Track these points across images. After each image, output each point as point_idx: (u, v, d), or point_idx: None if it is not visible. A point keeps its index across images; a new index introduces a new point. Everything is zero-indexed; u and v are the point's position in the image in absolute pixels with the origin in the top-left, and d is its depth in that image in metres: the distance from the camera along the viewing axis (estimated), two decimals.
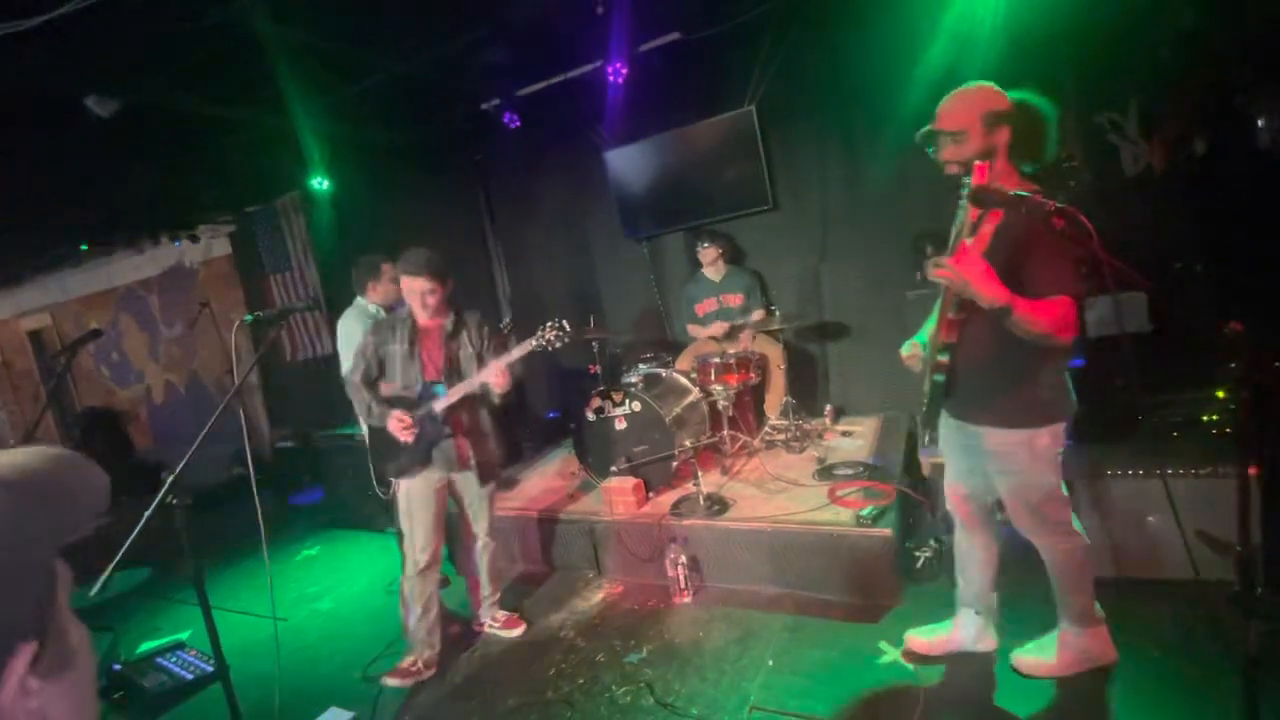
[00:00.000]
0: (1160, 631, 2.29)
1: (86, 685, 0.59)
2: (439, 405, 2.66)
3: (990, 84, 1.86)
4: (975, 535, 2.29)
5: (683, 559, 3.05)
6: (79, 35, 2.75)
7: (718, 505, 3.30)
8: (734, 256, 4.55)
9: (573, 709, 2.46)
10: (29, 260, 7.75)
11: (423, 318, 2.72)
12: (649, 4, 3.69)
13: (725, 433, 3.94)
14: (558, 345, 2.62)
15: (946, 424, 2.19)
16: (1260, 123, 3.16)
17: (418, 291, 2.61)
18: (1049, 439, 1.93)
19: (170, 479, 1.78)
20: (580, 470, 3.99)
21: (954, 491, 2.29)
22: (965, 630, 2.37)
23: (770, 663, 2.53)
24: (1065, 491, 2.04)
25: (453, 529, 3.02)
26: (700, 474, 3.36)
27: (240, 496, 6.04)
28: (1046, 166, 1.90)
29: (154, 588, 4.46)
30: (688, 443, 3.60)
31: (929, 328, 2.13)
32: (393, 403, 2.71)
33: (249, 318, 2.42)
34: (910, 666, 2.37)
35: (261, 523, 2.31)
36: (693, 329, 4.51)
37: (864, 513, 2.89)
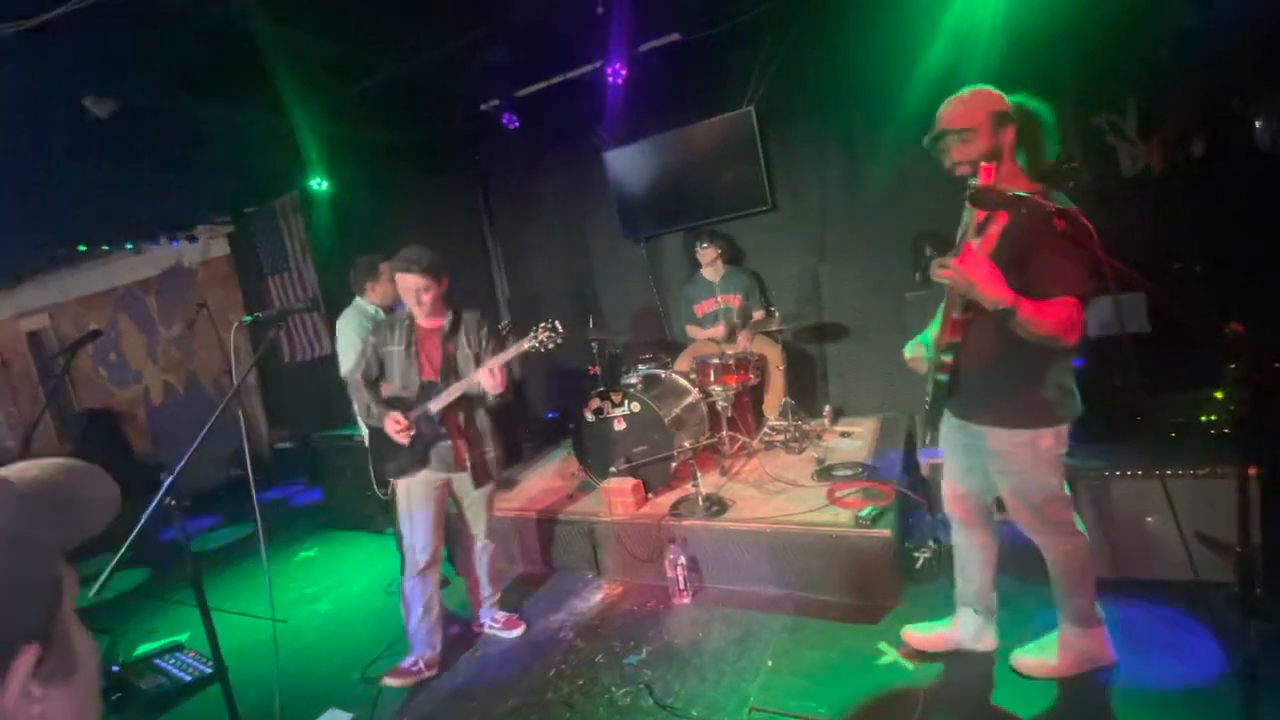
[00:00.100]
0: (1160, 632, 2.29)
1: (90, 691, 0.59)
2: (434, 406, 2.66)
3: (990, 87, 1.86)
4: (974, 535, 2.30)
5: (682, 560, 3.05)
6: (78, 35, 2.75)
7: (717, 506, 3.30)
8: (733, 257, 4.55)
9: (572, 710, 2.46)
10: (28, 261, 7.74)
11: (420, 317, 2.71)
12: (648, 5, 3.69)
13: (724, 433, 3.94)
14: (550, 346, 2.59)
15: (948, 423, 2.19)
16: (1258, 124, 3.17)
17: (412, 289, 2.61)
18: (1052, 440, 1.93)
19: (169, 480, 1.78)
20: (579, 471, 3.99)
21: (953, 491, 2.29)
22: (964, 629, 2.38)
23: (769, 664, 2.53)
24: (1068, 492, 2.04)
25: (452, 530, 3.01)
26: (699, 475, 3.36)
27: (239, 497, 6.03)
28: (1047, 167, 1.90)
29: (152, 589, 4.46)
30: (687, 443, 3.60)
31: (932, 329, 2.13)
32: (391, 403, 2.71)
33: (248, 318, 2.42)
34: (910, 666, 2.36)
35: (259, 524, 2.31)
36: (692, 329, 4.51)
37: (863, 513, 2.89)
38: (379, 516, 4.49)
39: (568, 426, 4.35)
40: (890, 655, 2.44)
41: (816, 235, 4.41)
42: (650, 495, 3.61)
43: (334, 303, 5.37)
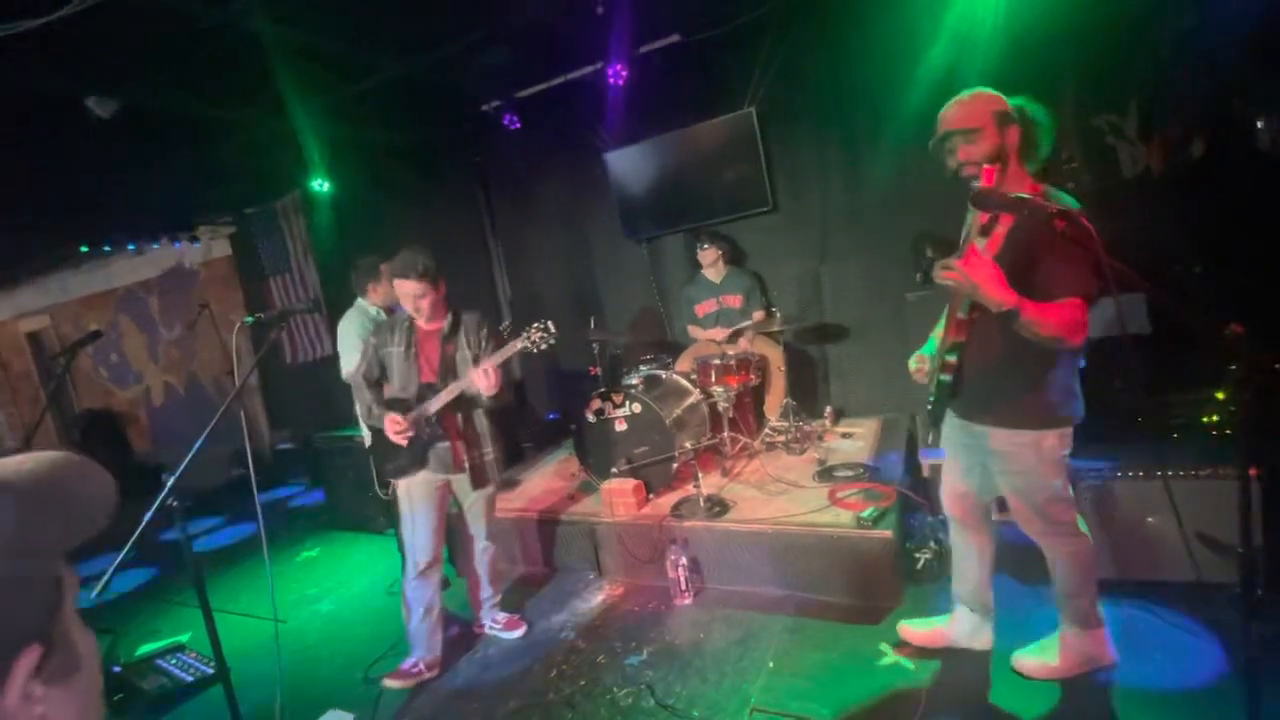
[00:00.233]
0: (1161, 633, 2.29)
1: (92, 692, 0.58)
2: (430, 407, 2.66)
3: (989, 89, 1.87)
4: (971, 534, 2.30)
5: (683, 560, 3.05)
6: (79, 36, 2.75)
7: (718, 507, 3.30)
8: (734, 258, 4.55)
9: (574, 711, 2.46)
10: (28, 261, 7.75)
11: (420, 320, 2.72)
12: (649, 6, 3.69)
13: (725, 434, 3.94)
14: (543, 347, 2.57)
15: (951, 423, 2.19)
16: (1259, 124, 3.17)
17: (409, 295, 2.61)
18: (1056, 441, 1.93)
19: (171, 480, 1.78)
20: (581, 472, 3.99)
21: (953, 490, 2.29)
22: (960, 626, 2.39)
23: (771, 664, 2.53)
24: (1071, 493, 2.04)
25: (454, 531, 3.02)
26: (700, 475, 3.36)
27: (240, 498, 6.04)
28: (1044, 166, 1.90)
29: (154, 589, 4.46)
30: (688, 444, 3.60)
31: (935, 338, 2.13)
32: (392, 404, 2.71)
33: (249, 319, 2.42)
34: (911, 667, 2.37)
35: (261, 524, 2.31)
36: (693, 330, 4.51)
37: (864, 514, 2.89)
38: (380, 517, 4.50)
39: (569, 427, 4.35)
40: (891, 656, 2.44)
41: (817, 236, 4.41)
42: (651, 496, 3.61)
43: (335, 303, 5.39)
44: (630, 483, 3.51)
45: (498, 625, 3.06)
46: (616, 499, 3.50)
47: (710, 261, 4.36)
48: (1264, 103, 3.12)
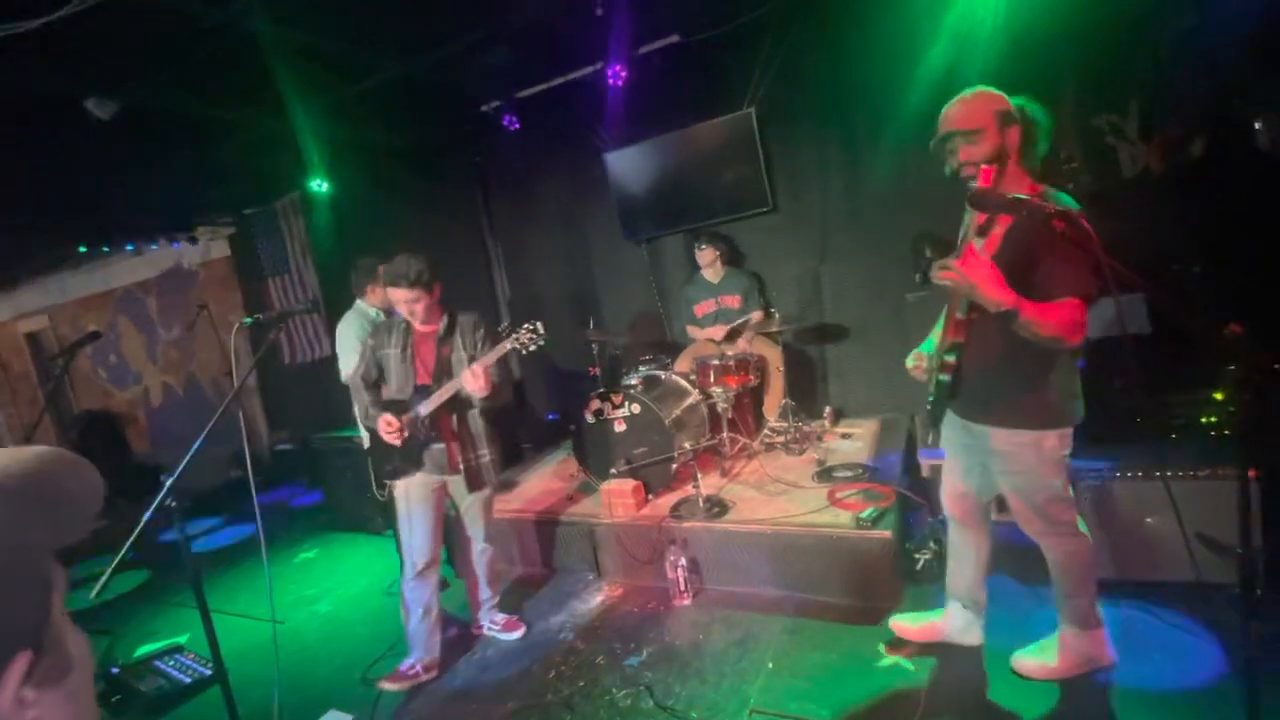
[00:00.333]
0: (1160, 634, 2.29)
1: (85, 693, 0.57)
2: (424, 409, 2.65)
3: (991, 88, 1.86)
4: (969, 533, 2.31)
5: (682, 561, 3.05)
6: (78, 37, 2.75)
7: (717, 507, 3.30)
8: (732, 258, 4.55)
9: (572, 712, 2.46)
10: (27, 262, 7.74)
11: (415, 323, 2.72)
12: (648, 6, 3.69)
13: (725, 435, 3.93)
14: (532, 348, 2.56)
15: (950, 423, 2.19)
16: (1258, 125, 3.17)
17: (402, 301, 2.60)
18: (1056, 441, 1.93)
19: (170, 481, 1.77)
20: (580, 472, 3.99)
21: (953, 490, 2.30)
22: (952, 622, 2.40)
23: (770, 665, 2.52)
24: (1071, 493, 2.04)
25: (452, 532, 3.01)
26: (700, 476, 3.36)
27: (239, 499, 6.04)
28: (1043, 166, 1.90)
29: (152, 590, 4.45)
30: (687, 445, 3.60)
31: (934, 336, 2.13)
32: (389, 406, 2.71)
33: (248, 320, 2.42)
34: (910, 667, 2.36)
35: (259, 525, 2.31)
36: (692, 330, 4.51)
37: (863, 515, 2.89)
38: (378, 518, 4.50)
39: (568, 428, 4.35)
40: (891, 657, 2.44)
41: (817, 236, 4.41)
42: (650, 497, 3.61)
43: (334, 304, 5.39)
44: (629, 483, 3.51)
45: (496, 626, 3.05)
46: (615, 500, 3.49)
47: (708, 262, 4.36)
48: (1263, 103, 3.13)
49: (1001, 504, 2.27)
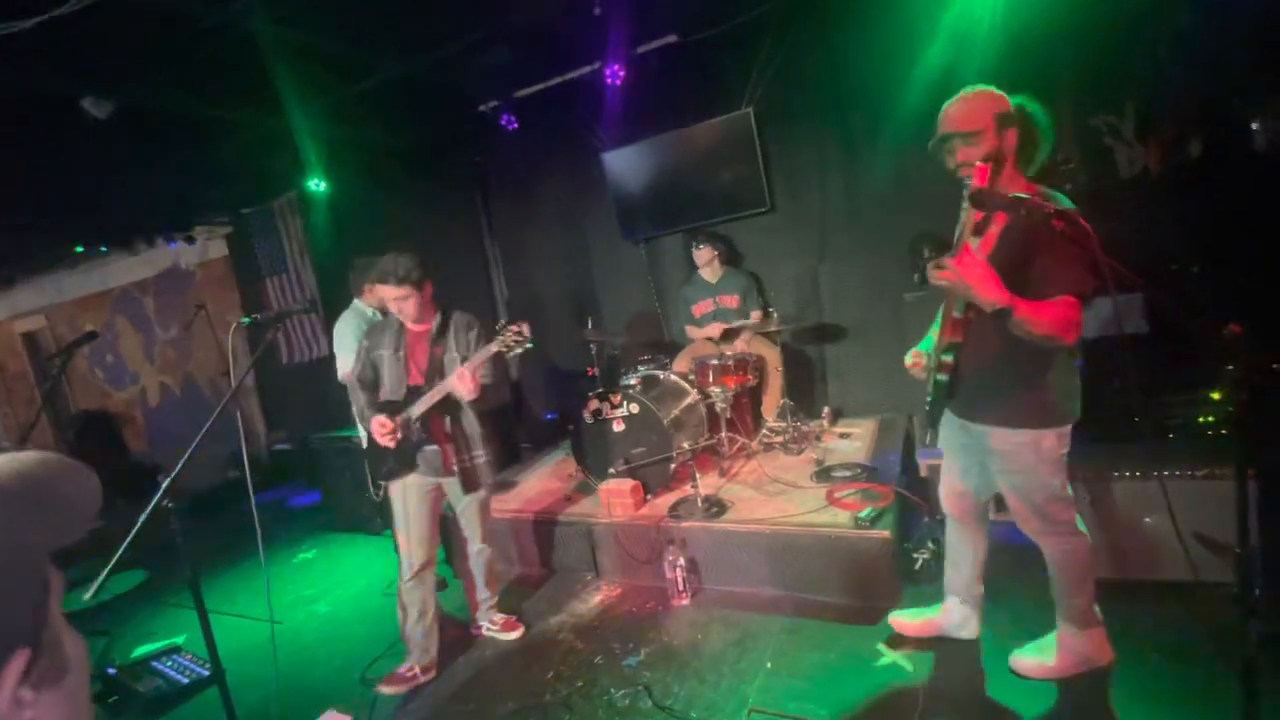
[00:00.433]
0: (1158, 633, 2.29)
1: (81, 695, 0.58)
2: (415, 411, 2.63)
3: (992, 87, 1.87)
4: (967, 531, 2.34)
5: (681, 561, 3.05)
6: (75, 36, 2.74)
7: (716, 507, 3.30)
8: (730, 258, 4.55)
9: (571, 712, 2.45)
10: (24, 261, 7.72)
11: (408, 322, 2.70)
12: (646, 6, 3.69)
13: (723, 435, 3.94)
14: (518, 350, 2.50)
15: (949, 423, 2.20)
16: (1255, 125, 3.18)
17: (391, 299, 2.58)
18: (1054, 440, 1.93)
19: (166, 481, 1.77)
20: (578, 472, 3.99)
21: (951, 489, 2.31)
22: (950, 617, 2.43)
23: (768, 665, 2.52)
24: (1069, 492, 2.04)
25: (450, 532, 3.01)
26: (698, 476, 3.36)
27: (237, 499, 6.03)
28: (1042, 168, 1.90)
29: (149, 591, 4.44)
30: (686, 445, 3.60)
31: (932, 336, 2.14)
32: (383, 407, 2.69)
33: (245, 320, 2.41)
34: (908, 667, 2.37)
35: (258, 525, 2.30)
36: (690, 330, 4.51)
37: (862, 514, 2.89)
38: (377, 518, 4.49)
39: (566, 428, 4.34)
40: (889, 656, 2.44)
41: (815, 236, 4.41)
42: (649, 497, 3.61)
43: (332, 304, 5.38)
44: (628, 483, 3.51)
45: (495, 627, 3.05)
46: (614, 500, 3.49)
47: (705, 261, 4.36)
48: (1261, 103, 3.13)
49: (1000, 503, 2.27)
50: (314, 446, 5.13)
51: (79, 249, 6.90)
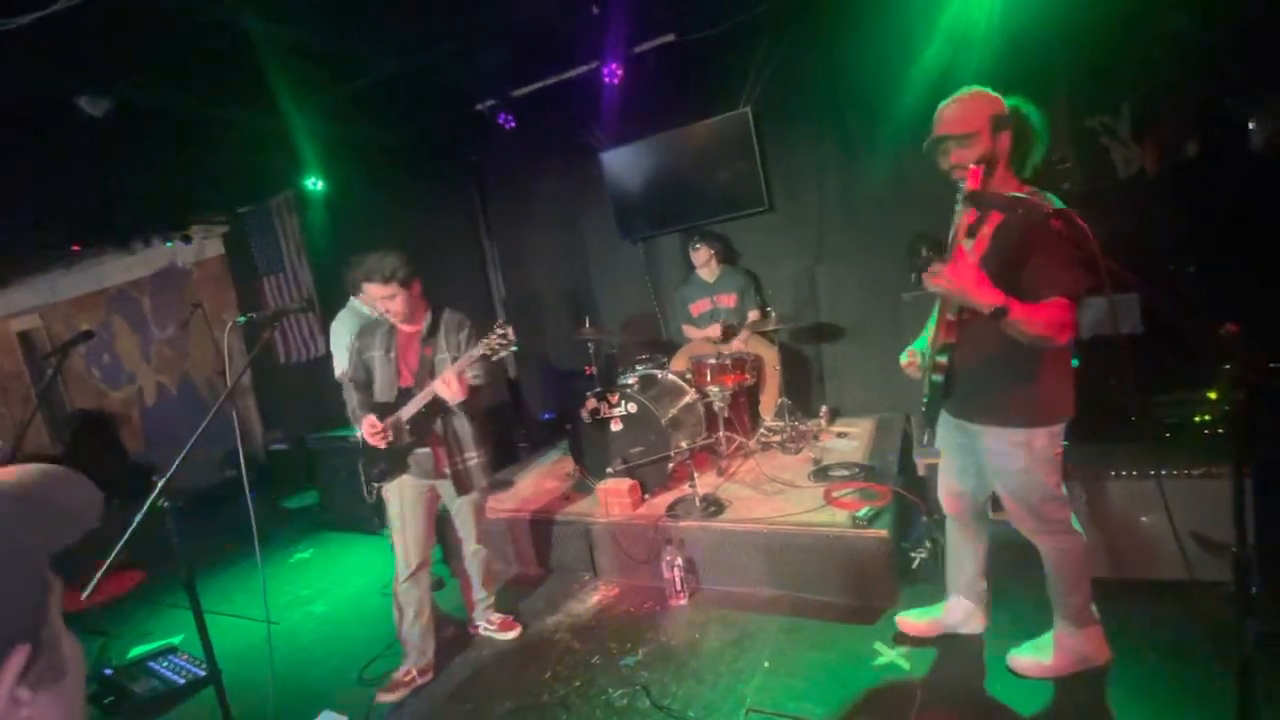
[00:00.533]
0: (1155, 632, 2.30)
1: (77, 696, 0.59)
2: (404, 413, 2.59)
3: (987, 89, 1.88)
4: (966, 530, 2.35)
5: (679, 561, 3.05)
6: (71, 34, 2.73)
7: (714, 507, 3.29)
8: (728, 257, 4.55)
9: (568, 712, 2.45)
10: (19, 261, 7.69)
11: (397, 322, 2.67)
12: (644, 5, 3.69)
13: (721, 434, 3.93)
14: (502, 354, 2.43)
15: (945, 423, 2.22)
16: (1251, 125, 3.19)
17: (378, 297, 2.55)
18: (1046, 439, 1.95)
19: (162, 482, 1.76)
20: (576, 472, 3.98)
21: (949, 489, 2.32)
22: (954, 614, 2.44)
23: (766, 664, 2.52)
24: (1064, 491, 2.05)
25: (448, 532, 3.00)
26: (696, 475, 3.35)
27: (233, 499, 6.01)
28: (1036, 170, 1.92)
29: (146, 591, 4.43)
30: (683, 444, 3.59)
31: (927, 334, 2.15)
32: (375, 408, 2.65)
33: (242, 319, 2.41)
34: (906, 666, 2.37)
35: (254, 525, 2.30)
36: (688, 330, 4.51)
37: (860, 514, 2.89)
38: (374, 518, 4.48)
39: (564, 427, 4.34)
40: (887, 655, 2.45)
41: (813, 236, 4.41)
42: (647, 496, 3.60)
43: (329, 303, 5.36)
44: (625, 482, 3.51)
45: (492, 626, 3.04)
46: (612, 499, 3.49)
47: (703, 261, 4.36)
48: (1256, 103, 3.14)
49: (998, 502, 2.28)
50: (311, 446, 5.12)
51: (74, 248, 6.87)
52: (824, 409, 4.36)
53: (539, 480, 4.29)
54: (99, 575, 1.71)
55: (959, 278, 1.70)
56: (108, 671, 3.12)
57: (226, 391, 2.03)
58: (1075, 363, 2.00)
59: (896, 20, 3.70)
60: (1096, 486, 2.60)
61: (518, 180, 5.37)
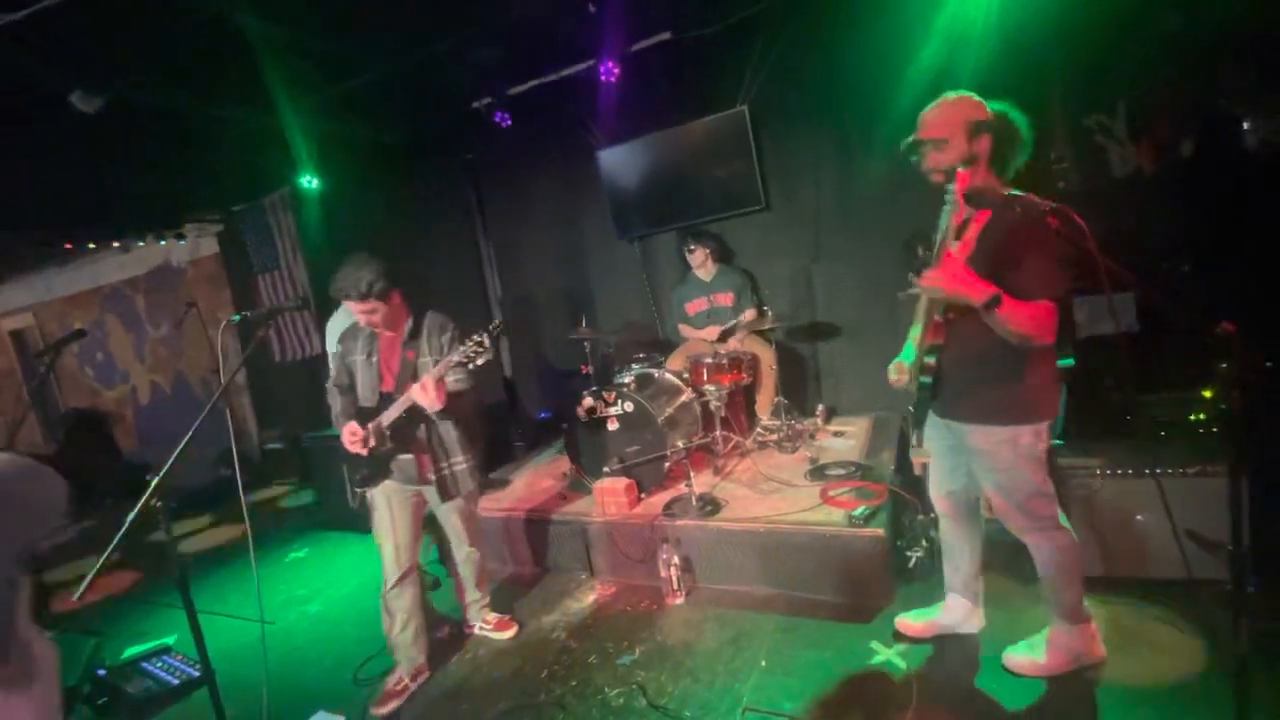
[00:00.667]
0: (1151, 630, 2.30)
1: (51, 700, 0.57)
2: (384, 420, 2.53)
3: (971, 94, 1.91)
4: (960, 528, 2.36)
5: (675, 560, 3.04)
6: (64, 30, 2.71)
7: (710, 506, 3.29)
8: (724, 256, 4.55)
9: (565, 711, 2.45)
10: (11, 258, 7.64)
11: (379, 330, 2.62)
12: (641, 3, 3.68)
13: (717, 433, 3.93)
14: (480, 361, 2.36)
15: (933, 423, 2.23)
16: (1246, 124, 3.20)
17: (357, 313, 2.50)
18: (1031, 437, 1.96)
19: (155, 481, 1.75)
20: (572, 471, 3.97)
21: (941, 489, 2.33)
22: (953, 613, 2.44)
23: (763, 663, 2.52)
24: (1051, 488, 2.06)
25: (441, 531, 2.98)
26: (692, 474, 3.35)
27: (228, 498, 5.98)
28: (1017, 172, 1.95)
29: (139, 591, 4.41)
30: (680, 443, 3.59)
31: (911, 343, 2.18)
32: (358, 413, 2.61)
33: (236, 317, 2.39)
34: (903, 665, 2.37)
35: (248, 525, 2.28)
36: (684, 329, 4.51)
37: (856, 513, 2.89)
38: (369, 518, 4.46)
39: (560, 426, 4.33)
40: (883, 654, 2.45)
41: (810, 235, 4.41)
42: (643, 495, 3.60)
43: (324, 301, 5.33)
44: (622, 482, 3.50)
45: (488, 626, 3.03)
46: (608, 498, 3.48)
47: (699, 262, 4.36)
48: (1252, 103, 3.15)
49: (988, 500, 2.29)
50: (306, 445, 5.10)
51: (68, 246, 6.82)
52: (820, 408, 4.36)
53: (535, 479, 4.29)
54: (91, 575, 1.69)
55: (950, 277, 1.75)
56: (101, 672, 3.10)
57: (220, 390, 2.01)
58: (1071, 361, 2.01)
59: (894, 19, 3.69)
60: (1092, 485, 2.60)
61: (514, 179, 5.35)
